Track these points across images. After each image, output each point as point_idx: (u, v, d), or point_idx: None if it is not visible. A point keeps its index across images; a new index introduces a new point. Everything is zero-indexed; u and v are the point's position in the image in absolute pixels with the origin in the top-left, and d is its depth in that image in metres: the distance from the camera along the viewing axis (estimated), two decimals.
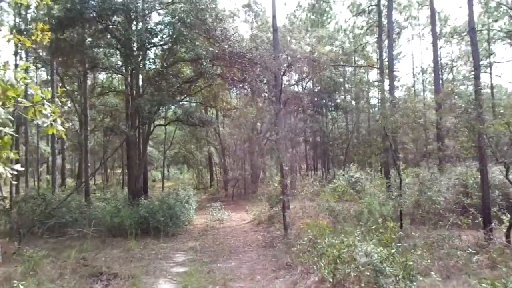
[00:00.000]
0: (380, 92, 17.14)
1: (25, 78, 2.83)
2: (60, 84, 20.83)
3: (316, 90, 30.76)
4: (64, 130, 2.99)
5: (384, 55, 20.44)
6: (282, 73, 13.10)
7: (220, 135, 26.78)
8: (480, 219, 9.54)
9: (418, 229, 9.64)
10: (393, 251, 5.24)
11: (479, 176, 10.04)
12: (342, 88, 32.23)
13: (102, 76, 24.73)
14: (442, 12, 31.20)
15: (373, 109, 32.39)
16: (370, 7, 25.79)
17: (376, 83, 28.23)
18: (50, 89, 15.83)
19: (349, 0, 28.95)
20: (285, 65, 13.48)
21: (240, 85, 18.93)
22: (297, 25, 28.84)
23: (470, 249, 6.46)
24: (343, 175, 18.28)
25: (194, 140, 30.81)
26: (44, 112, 2.83)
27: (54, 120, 2.89)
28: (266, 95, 24.28)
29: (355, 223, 9.57)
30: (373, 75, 34.31)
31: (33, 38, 3.37)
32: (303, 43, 20.75)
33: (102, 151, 30.44)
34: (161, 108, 15.49)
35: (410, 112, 9.65)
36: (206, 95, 20.10)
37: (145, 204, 12.99)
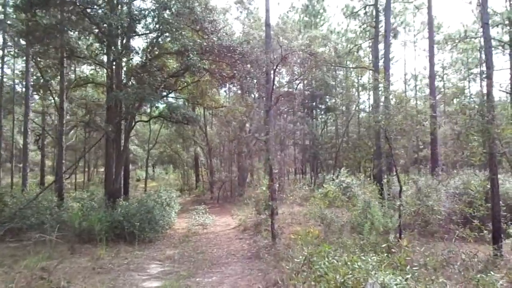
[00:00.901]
0: (374, 94, 16.38)
1: None
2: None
3: (307, 93, 30.04)
4: None
5: (379, 56, 19.81)
6: (274, 68, 12.19)
7: (207, 135, 25.79)
8: (485, 231, 8.77)
9: (418, 241, 8.84)
10: (408, 276, 4.30)
11: (488, 186, 9.18)
12: (334, 90, 31.55)
13: (86, 69, 23.41)
14: (435, 19, 30.85)
15: (363, 114, 31.86)
16: (366, 8, 25.19)
17: (370, 85, 27.57)
18: None
19: (343, 2, 28.33)
20: (277, 59, 12.60)
21: (229, 82, 17.93)
22: (290, 25, 27.95)
23: (492, 272, 5.54)
24: (333, 179, 17.43)
25: (181, 139, 29.71)
26: None
27: None
28: (256, 95, 23.42)
29: (355, 236, 8.61)
30: (365, 80, 33.78)
31: None
32: (296, 43, 19.89)
33: (83, 147, 29.10)
34: (144, 103, 14.35)
35: (415, 112, 8.78)
36: (193, 91, 18.98)
37: (123, 206, 11.90)
